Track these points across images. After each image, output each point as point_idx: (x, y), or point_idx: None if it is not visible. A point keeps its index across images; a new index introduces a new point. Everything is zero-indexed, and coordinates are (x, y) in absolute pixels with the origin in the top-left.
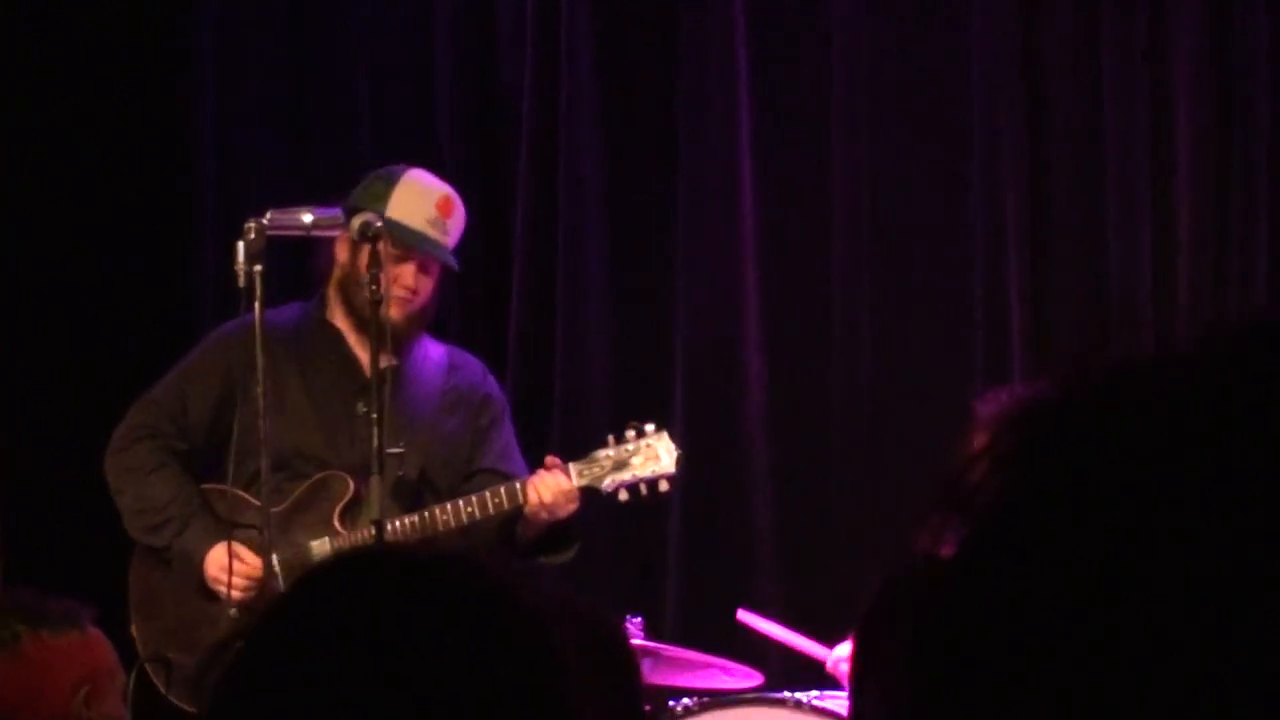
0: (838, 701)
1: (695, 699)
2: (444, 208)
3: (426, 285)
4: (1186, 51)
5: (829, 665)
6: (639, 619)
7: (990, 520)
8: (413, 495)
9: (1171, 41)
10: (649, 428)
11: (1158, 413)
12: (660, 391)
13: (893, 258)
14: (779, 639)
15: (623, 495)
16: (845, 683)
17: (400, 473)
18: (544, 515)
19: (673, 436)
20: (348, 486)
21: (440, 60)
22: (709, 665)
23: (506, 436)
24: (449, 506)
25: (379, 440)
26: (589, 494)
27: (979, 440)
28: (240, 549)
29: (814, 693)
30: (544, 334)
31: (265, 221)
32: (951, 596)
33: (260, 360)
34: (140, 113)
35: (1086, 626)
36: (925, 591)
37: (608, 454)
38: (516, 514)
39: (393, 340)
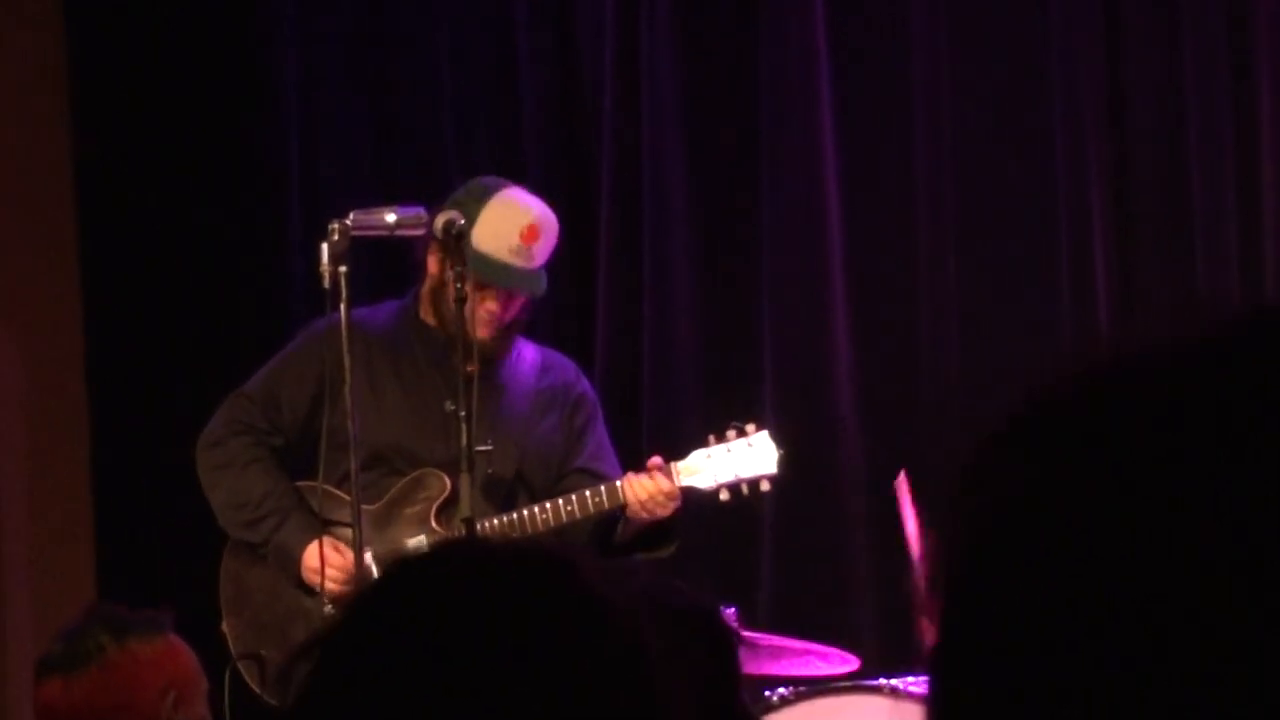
0: None
1: (790, 689)
2: (528, 235)
3: (514, 307)
4: (1268, 16)
5: None
6: (733, 609)
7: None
8: (506, 494)
9: (1253, 7)
10: (750, 427)
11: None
12: (750, 385)
13: (978, 241)
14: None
15: (724, 495)
16: None
17: (490, 470)
18: (645, 515)
19: (768, 431)
20: (444, 484)
21: (521, 58)
22: (805, 652)
23: (600, 436)
24: (548, 506)
25: (467, 438)
26: (690, 494)
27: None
28: (338, 543)
29: (909, 679)
30: (631, 331)
31: (349, 222)
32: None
33: (347, 361)
34: (225, 113)
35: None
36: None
37: (709, 454)
38: (613, 513)
39: (482, 355)
